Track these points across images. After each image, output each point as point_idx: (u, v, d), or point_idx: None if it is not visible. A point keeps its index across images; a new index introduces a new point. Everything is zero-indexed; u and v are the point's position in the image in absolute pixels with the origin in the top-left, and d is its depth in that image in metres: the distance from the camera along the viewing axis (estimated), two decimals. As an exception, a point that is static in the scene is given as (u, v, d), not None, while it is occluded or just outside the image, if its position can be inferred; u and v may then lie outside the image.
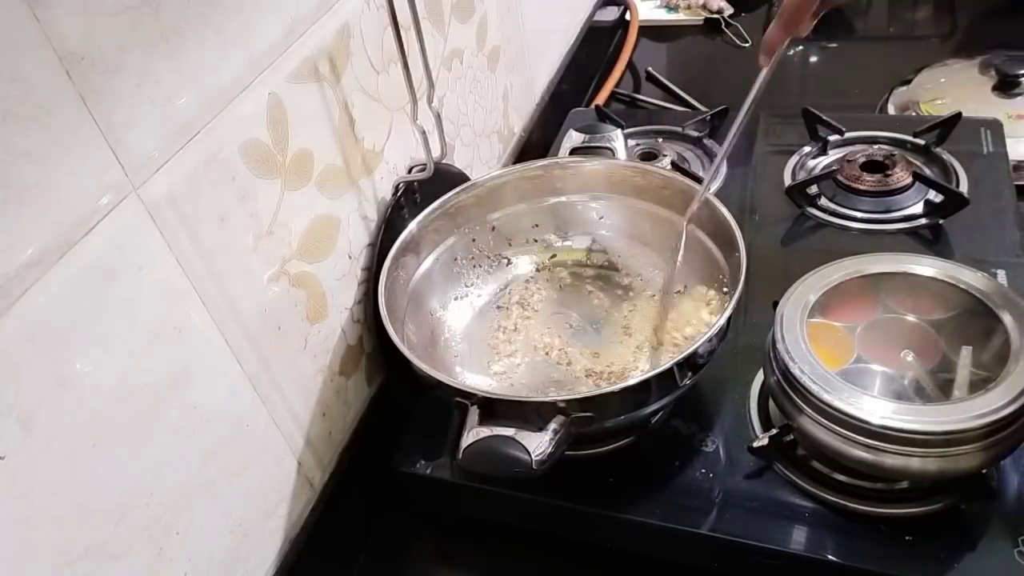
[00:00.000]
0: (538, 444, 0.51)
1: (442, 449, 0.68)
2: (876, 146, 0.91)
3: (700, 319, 0.68)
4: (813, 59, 1.27)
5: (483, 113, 0.91)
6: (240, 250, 0.53)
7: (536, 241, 0.79)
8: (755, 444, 0.61)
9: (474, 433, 0.53)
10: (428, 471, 0.66)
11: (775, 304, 0.62)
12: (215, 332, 0.52)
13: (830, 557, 0.56)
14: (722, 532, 0.59)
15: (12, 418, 0.38)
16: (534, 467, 0.51)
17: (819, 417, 0.55)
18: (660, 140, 0.99)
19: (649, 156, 0.95)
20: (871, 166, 0.87)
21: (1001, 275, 0.71)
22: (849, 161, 0.88)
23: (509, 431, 0.52)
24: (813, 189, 0.88)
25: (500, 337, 0.72)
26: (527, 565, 0.69)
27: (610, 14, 1.40)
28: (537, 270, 0.78)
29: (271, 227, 0.56)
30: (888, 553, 0.56)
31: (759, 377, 0.68)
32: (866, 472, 0.56)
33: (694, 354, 0.56)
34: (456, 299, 0.75)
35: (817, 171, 0.90)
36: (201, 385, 0.51)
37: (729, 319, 0.58)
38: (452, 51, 0.81)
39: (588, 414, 0.54)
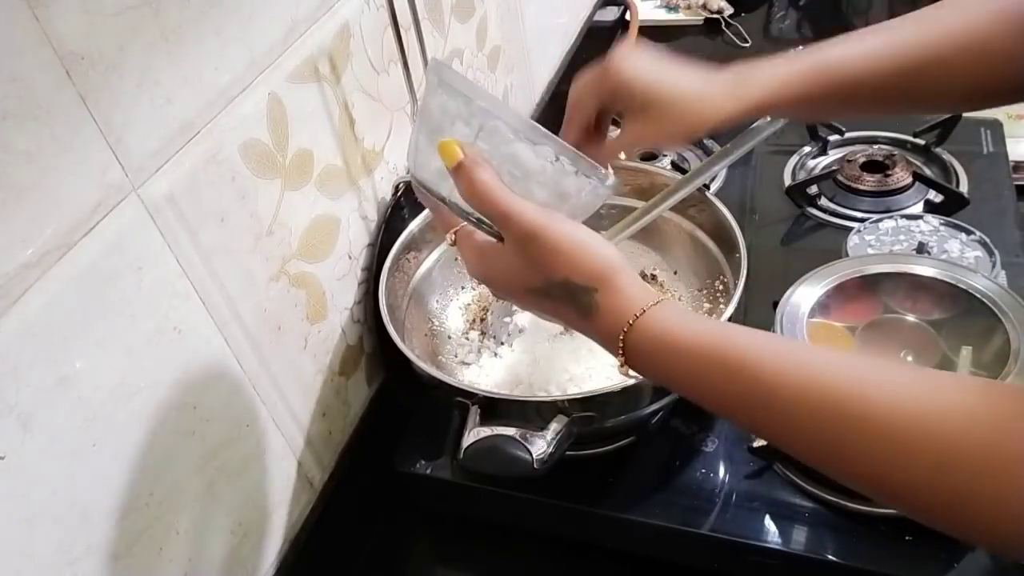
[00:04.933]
0: (539, 444, 0.51)
1: (442, 449, 0.68)
2: (876, 146, 0.91)
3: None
4: (813, 59, 1.27)
5: (483, 113, 0.91)
6: (240, 250, 0.53)
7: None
8: (755, 444, 0.61)
9: (475, 433, 0.53)
10: (428, 471, 0.66)
11: (775, 304, 0.62)
12: (215, 332, 0.52)
13: (830, 557, 0.56)
14: (722, 532, 0.59)
15: (12, 418, 0.38)
16: (535, 467, 0.51)
17: (819, 417, 0.55)
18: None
19: (649, 156, 0.95)
20: (871, 166, 0.87)
21: (1001, 275, 0.71)
22: (849, 161, 0.88)
23: (510, 431, 0.52)
24: (813, 189, 0.88)
25: (501, 336, 0.72)
26: (527, 565, 0.69)
27: (610, 14, 1.40)
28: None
29: (271, 227, 0.56)
30: (888, 553, 0.56)
31: (759, 377, 0.68)
32: (866, 472, 0.56)
33: (694, 354, 0.56)
34: (456, 299, 0.75)
35: (817, 171, 0.90)
36: (201, 385, 0.51)
37: (729, 319, 0.58)
38: (452, 51, 0.81)
39: (589, 413, 0.54)
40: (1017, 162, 0.89)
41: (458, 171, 0.42)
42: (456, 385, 0.57)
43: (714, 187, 0.90)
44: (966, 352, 0.59)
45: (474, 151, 0.42)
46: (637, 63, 0.51)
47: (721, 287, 0.68)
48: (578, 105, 0.53)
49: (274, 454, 0.60)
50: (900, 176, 0.85)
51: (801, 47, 0.52)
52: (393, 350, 0.59)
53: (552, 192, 0.43)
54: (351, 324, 0.68)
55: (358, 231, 0.68)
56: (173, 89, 0.46)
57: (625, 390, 0.54)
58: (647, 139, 0.54)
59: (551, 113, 1.09)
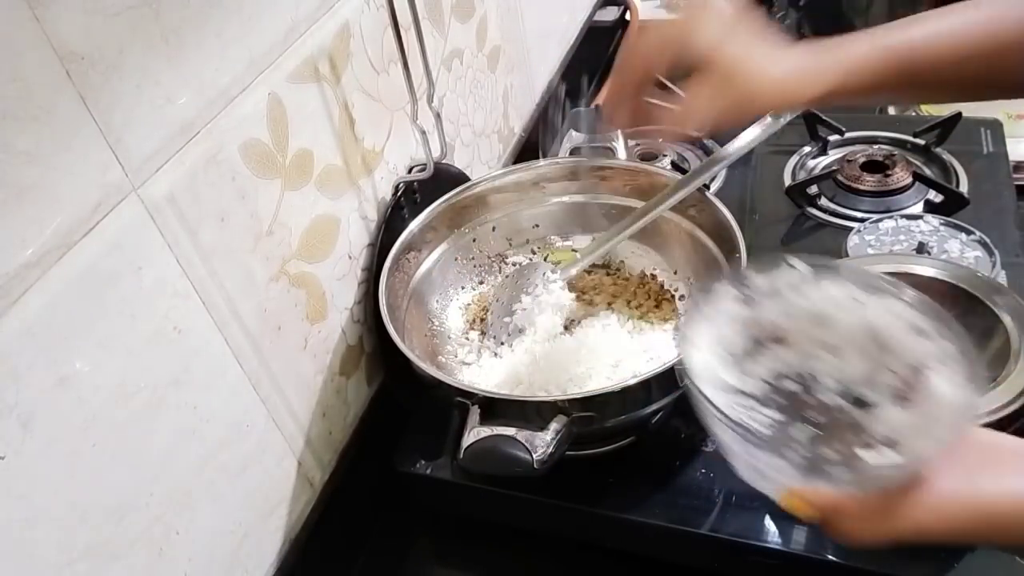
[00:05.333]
0: (539, 444, 0.51)
1: (442, 449, 0.68)
2: (876, 146, 0.91)
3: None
4: (813, 59, 1.27)
5: (483, 113, 0.91)
6: (240, 250, 0.53)
7: (536, 241, 0.79)
8: (755, 444, 0.61)
9: (475, 433, 0.53)
10: (428, 471, 0.66)
11: (775, 304, 0.62)
12: (215, 332, 0.52)
13: (830, 557, 0.56)
14: (722, 532, 0.59)
15: (12, 418, 0.38)
16: (535, 467, 0.51)
17: (819, 417, 0.55)
18: (660, 140, 0.98)
19: (649, 156, 0.95)
20: (871, 166, 0.87)
21: (1001, 275, 0.71)
22: (849, 161, 0.88)
23: (510, 431, 0.52)
24: (813, 189, 0.88)
25: (501, 336, 0.72)
26: (527, 565, 0.69)
27: (610, 14, 1.40)
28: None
29: (271, 227, 0.56)
30: (888, 553, 0.55)
31: (759, 377, 0.68)
32: (866, 472, 0.56)
33: (694, 354, 0.56)
34: (456, 299, 0.75)
35: (817, 171, 0.90)
36: (201, 385, 0.51)
37: (729, 319, 0.58)
38: (452, 51, 0.81)
39: (589, 414, 0.54)
40: (1017, 162, 0.89)
41: (820, 525, 0.41)
42: (456, 385, 0.57)
43: (714, 187, 0.90)
44: (966, 352, 0.59)
45: (815, 497, 0.40)
46: (725, 27, 0.47)
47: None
48: (643, 59, 0.49)
49: (274, 454, 0.60)
50: (900, 176, 0.85)
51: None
52: (393, 350, 0.59)
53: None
54: (351, 324, 0.68)
55: (358, 231, 0.68)
56: (173, 89, 0.46)
57: (625, 390, 0.54)
58: (721, 111, 0.49)
59: (552, 113, 1.09)
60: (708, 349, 0.44)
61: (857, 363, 0.42)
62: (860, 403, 0.40)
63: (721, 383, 0.42)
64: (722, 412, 0.40)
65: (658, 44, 0.49)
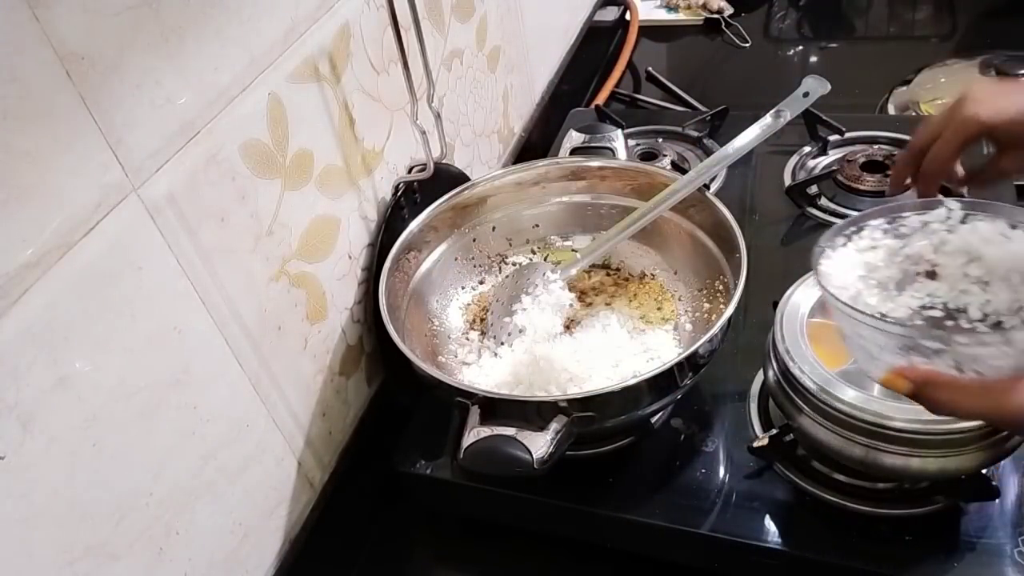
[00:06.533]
0: (539, 444, 0.51)
1: (442, 449, 0.68)
2: (876, 146, 0.91)
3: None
4: (813, 59, 1.27)
5: (483, 113, 0.91)
6: (240, 250, 0.53)
7: (536, 241, 0.79)
8: (755, 444, 0.61)
9: (475, 433, 0.53)
10: (428, 471, 0.66)
11: (775, 304, 0.62)
12: (215, 332, 0.52)
13: (830, 557, 0.56)
14: (722, 532, 0.59)
15: (12, 418, 0.38)
16: (535, 467, 0.51)
17: (819, 417, 0.55)
18: (660, 140, 0.99)
19: (649, 156, 0.95)
20: (871, 166, 0.87)
21: (1001, 275, 0.71)
22: (849, 161, 0.88)
23: (510, 431, 0.52)
24: (813, 189, 0.88)
25: (501, 336, 0.72)
26: (527, 565, 0.69)
27: (610, 14, 1.40)
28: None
29: (271, 227, 0.56)
30: (888, 553, 0.56)
31: (759, 377, 0.68)
32: (866, 472, 0.56)
33: (694, 354, 0.56)
34: (456, 299, 0.75)
35: (817, 171, 0.90)
36: (201, 385, 0.51)
37: (729, 319, 0.58)
38: (452, 51, 0.81)
39: (589, 413, 0.54)
40: (1017, 162, 0.88)
41: (918, 399, 0.43)
42: (456, 385, 0.57)
43: (714, 187, 0.90)
44: (966, 352, 0.59)
45: (915, 373, 0.42)
46: (995, 102, 0.56)
47: (721, 287, 0.68)
48: (945, 157, 0.58)
49: (274, 454, 0.60)
50: (900, 176, 0.85)
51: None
52: (393, 350, 0.59)
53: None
54: (351, 324, 0.68)
55: (358, 231, 0.68)
56: (173, 89, 0.46)
57: (625, 390, 0.54)
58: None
59: (551, 113, 1.09)
60: (850, 269, 0.49)
61: (1002, 294, 0.45)
62: (996, 326, 0.43)
63: (865, 305, 0.46)
64: (837, 298, 0.44)
65: (947, 130, 0.57)
